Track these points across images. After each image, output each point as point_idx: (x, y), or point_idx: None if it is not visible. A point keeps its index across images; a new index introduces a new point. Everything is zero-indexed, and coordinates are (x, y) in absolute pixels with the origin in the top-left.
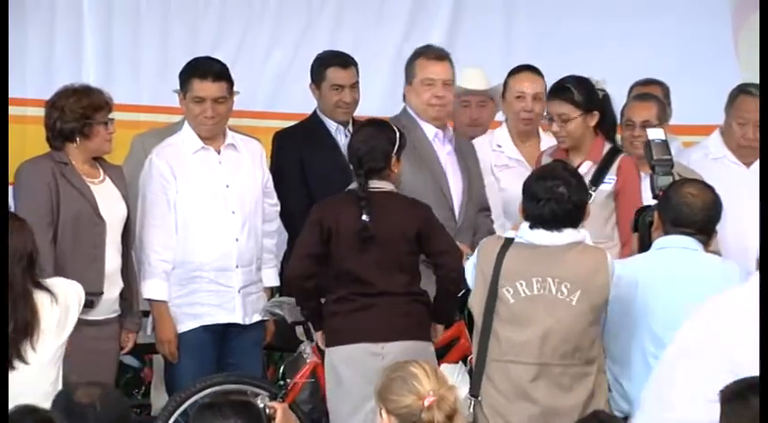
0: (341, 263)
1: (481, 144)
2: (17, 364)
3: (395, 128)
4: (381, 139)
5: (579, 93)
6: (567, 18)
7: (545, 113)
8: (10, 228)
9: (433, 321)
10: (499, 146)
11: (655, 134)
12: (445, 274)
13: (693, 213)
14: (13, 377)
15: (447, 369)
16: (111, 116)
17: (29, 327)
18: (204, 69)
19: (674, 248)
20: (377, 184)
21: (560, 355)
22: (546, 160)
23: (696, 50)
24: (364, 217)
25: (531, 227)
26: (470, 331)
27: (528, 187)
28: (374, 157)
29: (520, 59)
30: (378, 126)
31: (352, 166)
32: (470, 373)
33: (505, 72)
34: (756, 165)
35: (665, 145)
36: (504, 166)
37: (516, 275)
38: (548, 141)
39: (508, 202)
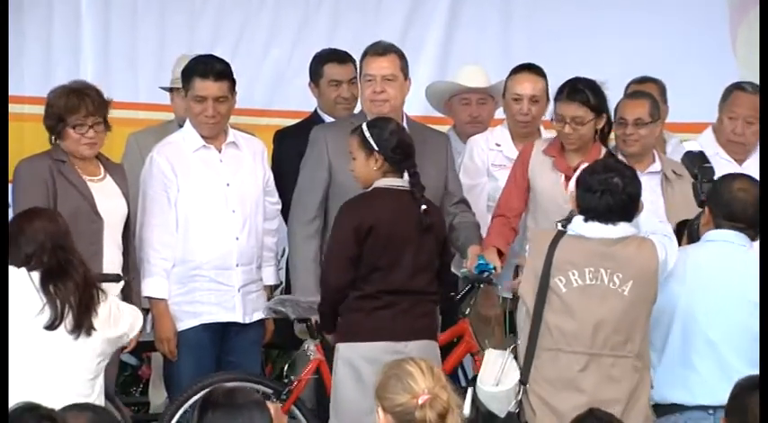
0: (375, 261)
1: (477, 142)
2: (92, 332)
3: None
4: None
5: (593, 96)
6: (565, 13)
7: (552, 114)
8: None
9: None
10: (498, 144)
11: (691, 146)
12: (444, 289)
13: (746, 208)
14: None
15: (493, 354)
16: (98, 118)
17: (93, 302)
18: (205, 68)
19: (722, 242)
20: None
21: (611, 346)
22: (538, 155)
23: (694, 48)
24: (424, 206)
25: (586, 220)
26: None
27: (582, 180)
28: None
29: (518, 55)
30: (397, 121)
31: (390, 160)
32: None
33: (503, 68)
34: (748, 162)
35: (702, 154)
36: (502, 165)
37: (569, 265)
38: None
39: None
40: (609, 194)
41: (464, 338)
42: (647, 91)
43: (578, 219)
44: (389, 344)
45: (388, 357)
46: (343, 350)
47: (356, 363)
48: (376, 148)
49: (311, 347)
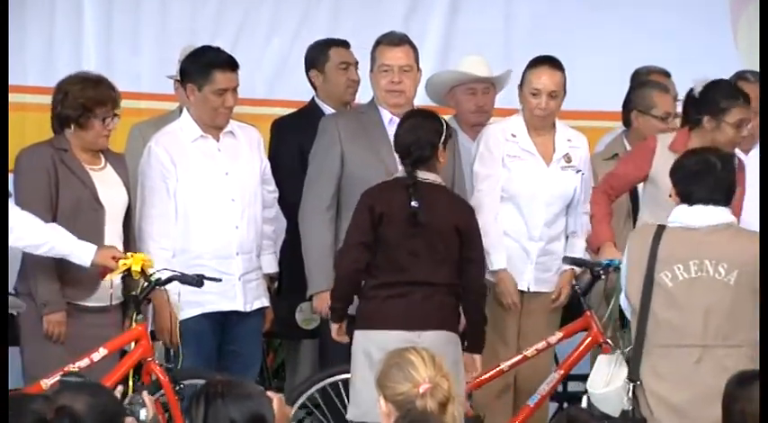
0: (389, 250)
1: (493, 132)
2: None
3: (441, 118)
4: (428, 129)
5: None
6: (567, 6)
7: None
8: None
9: (467, 348)
10: (514, 135)
11: None
12: (467, 284)
13: None
14: None
15: (605, 359)
16: (117, 112)
17: None
18: (223, 61)
19: None
20: (424, 175)
21: (723, 336)
22: (664, 152)
23: (695, 39)
24: (414, 203)
25: (690, 205)
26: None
27: (679, 166)
28: (421, 147)
29: (519, 47)
30: (424, 116)
31: (397, 155)
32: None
33: (505, 60)
34: (754, 151)
35: None
36: (517, 157)
37: (673, 259)
38: (563, 133)
39: (516, 194)
40: (707, 173)
41: (591, 330)
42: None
43: (679, 208)
44: (402, 333)
45: (401, 346)
46: (359, 338)
47: (370, 350)
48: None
49: None
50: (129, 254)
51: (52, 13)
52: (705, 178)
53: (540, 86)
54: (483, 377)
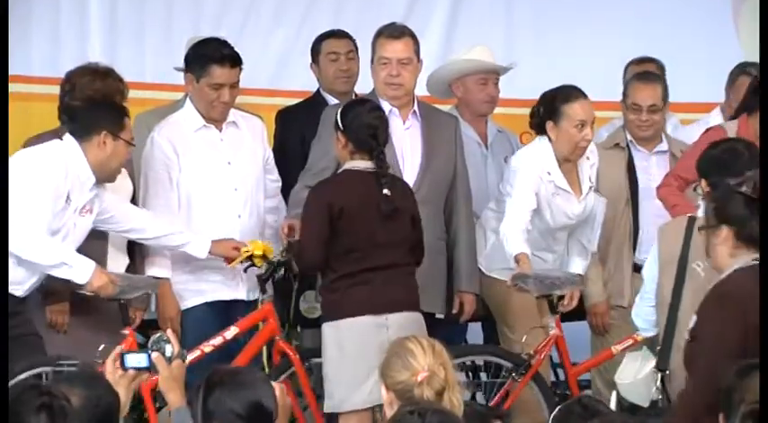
0: (349, 243)
1: (531, 169)
2: None
3: None
4: (385, 119)
5: None
6: None
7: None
8: None
9: None
10: (549, 173)
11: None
12: (418, 263)
13: None
14: None
15: (632, 355)
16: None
17: None
18: (223, 55)
19: None
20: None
21: None
22: None
23: (696, 27)
24: (386, 191)
25: None
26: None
27: (709, 157)
28: (385, 135)
29: (522, 40)
30: (377, 105)
31: (357, 142)
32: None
33: (506, 51)
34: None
35: None
36: (555, 194)
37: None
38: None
39: (550, 226)
40: (737, 162)
41: None
42: (653, 71)
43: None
44: (370, 318)
45: (371, 331)
46: (327, 331)
47: (341, 341)
48: (340, 128)
49: (551, 323)
50: (248, 241)
51: (57, 3)
52: (736, 167)
53: (584, 117)
54: (592, 361)
